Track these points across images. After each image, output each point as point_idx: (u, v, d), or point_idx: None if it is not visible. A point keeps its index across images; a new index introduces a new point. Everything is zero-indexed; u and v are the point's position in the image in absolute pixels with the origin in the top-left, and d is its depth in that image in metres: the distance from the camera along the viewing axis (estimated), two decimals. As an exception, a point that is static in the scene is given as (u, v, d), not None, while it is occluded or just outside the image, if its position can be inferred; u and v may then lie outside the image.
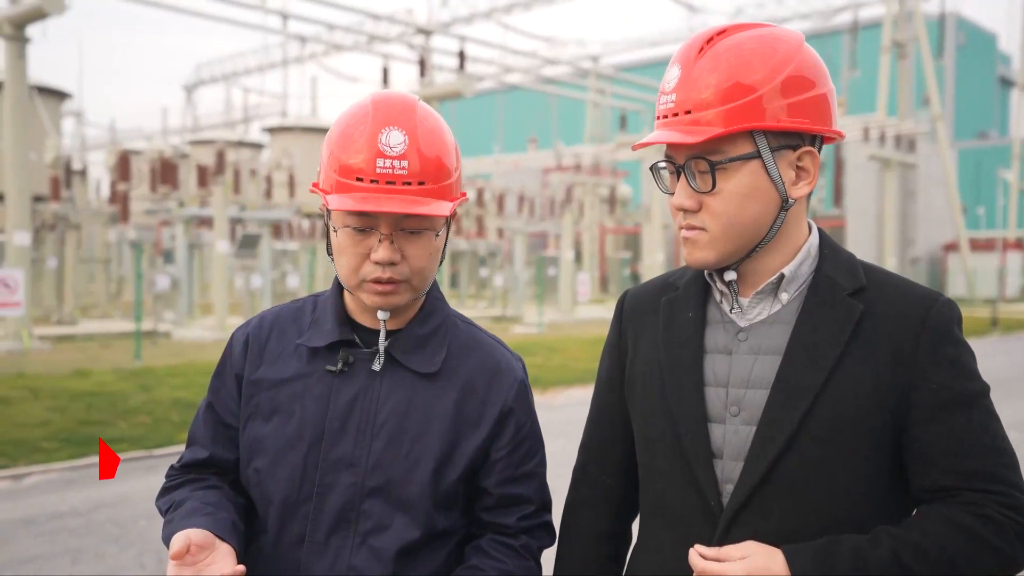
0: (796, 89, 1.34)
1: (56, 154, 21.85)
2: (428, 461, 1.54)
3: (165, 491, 1.63)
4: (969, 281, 36.25)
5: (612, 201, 38.27)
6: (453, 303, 22.55)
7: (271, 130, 41.88)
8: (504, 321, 23.39)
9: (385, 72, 22.09)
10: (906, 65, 34.12)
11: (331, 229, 1.55)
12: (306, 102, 68.93)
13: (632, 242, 39.70)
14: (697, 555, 1.33)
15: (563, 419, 8.22)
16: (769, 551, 1.30)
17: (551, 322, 21.94)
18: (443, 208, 1.48)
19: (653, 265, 25.37)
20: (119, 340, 16.60)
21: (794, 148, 1.36)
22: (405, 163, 1.47)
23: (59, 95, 30.75)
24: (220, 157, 19.30)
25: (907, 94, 34.23)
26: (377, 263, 1.49)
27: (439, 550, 1.58)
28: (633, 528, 1.63)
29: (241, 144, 38.59)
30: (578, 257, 31.82)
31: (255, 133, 50.30)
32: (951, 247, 41.41)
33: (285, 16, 20.46)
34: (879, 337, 1.36)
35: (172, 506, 1.56)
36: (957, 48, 61.44)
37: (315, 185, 1.57)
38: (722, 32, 1.38)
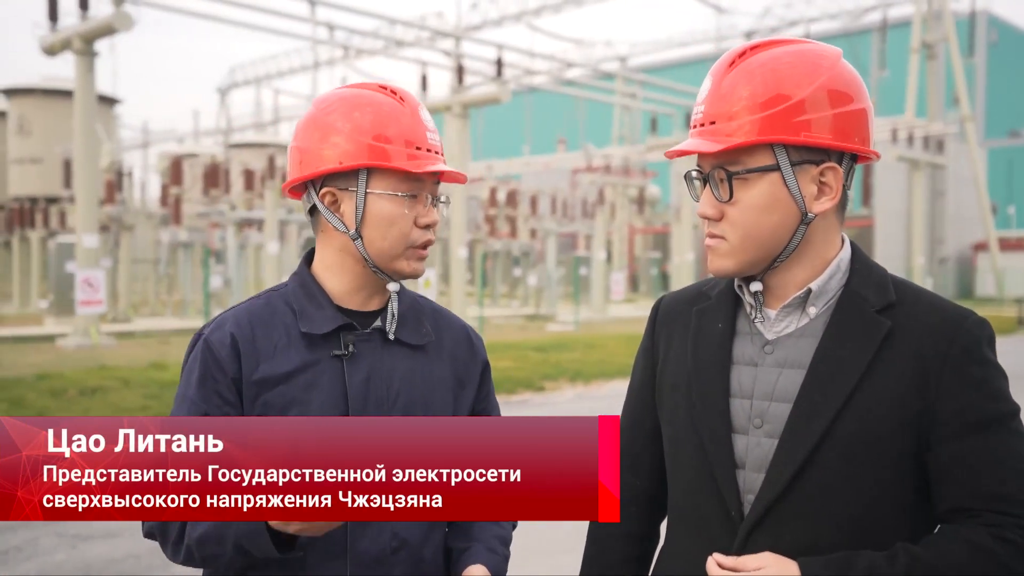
0: (824, 105, 1.35)
1: (111, 159, 22.89)
2: None
3: (181, 535, 1.49)
4: (998, 280, 36.38)
5: (641, 201, 38.78)
6: (487, 302, 23.29)
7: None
8: (538, 319, 24.07)
9: (424, 79, 22.84)
10: (936, 65, 34.35)
11: (366, 203, 1.57)
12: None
13: (661, 242, 40.21)
14: (715, 564, 1.37)
15: (608, 407, 8.97)
16: (784, 563, 1.32)
17: (584, 320, 22.60)
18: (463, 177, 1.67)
19: (683, 265, 25.94)
20: (175, 336, 17.49)
21: (816, 163, 1.37)
22: (437, 136, 1.64)
23: (109, 101, 31.88)
24: (271, 162, 20.21)
25: (937, 94, 34.47)
26: (428, 226, 1.61)
27: None
28: (661, 529, 1.66)
29: (277, 147, 39.54)
30: (608, 257, 32.43)
31: (284, 135, 51.23)
32: (981, 247, 41.44)
33: (332, 27, 21.27)
34: (906, 355, 1.36)
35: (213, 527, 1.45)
36: (989, 46, 61.17)
37: (340, 161, 1.57)
38: (755, 47, 1.41)
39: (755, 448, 1.40)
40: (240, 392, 1.57)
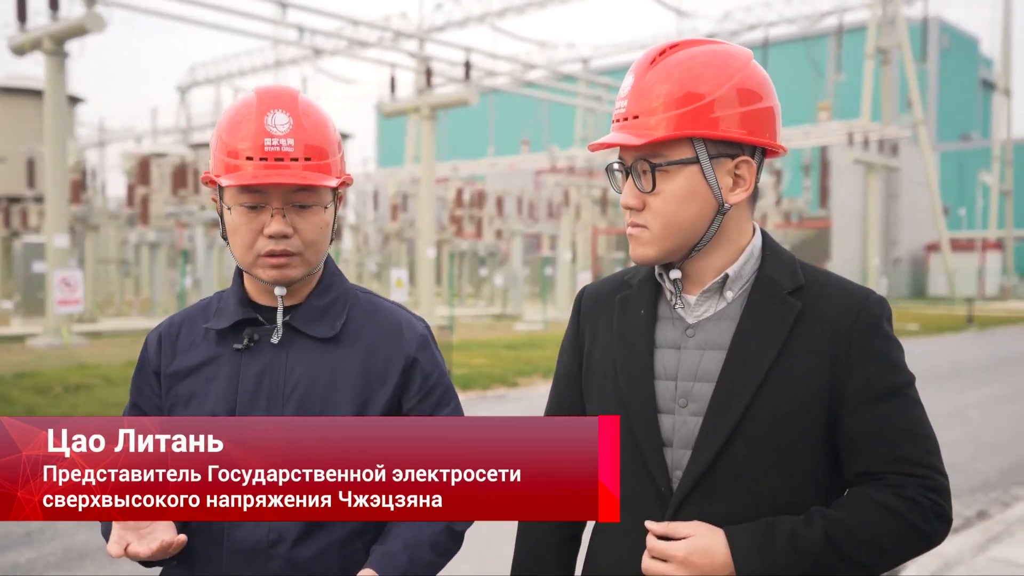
0: (738, 102, 1.43)
1: (76, 158, 22.74)
2: None
3: None
4: (950, 280, 37.40)
5: (604, 202, 39.24)
6: (453, 302, 23.58)
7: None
8: (505, 319, 24.38)
9: (392, 80, 23.03)
10: (890, 70, 35.21)
11: (224, 212, 1.61)
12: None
13: (623, 242, 40.71)
14: (651, 536, 1.43)
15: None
16: (712, 530, 1.40)
17: (551, 319, 22.95)
18: (329, 180, 1.59)
19: (647, 265, 26.32)
20: (143, 336, 17.46)
21: (732, 157, 1.45)
22: (291, 140, 1.57)
23: (72, 100, 31.59)
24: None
25: (891, 99, 35.33)
26: (271, 236, 1.57)
27: None
28: None
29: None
30: (572, 257, 32.83)
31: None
32: (933, 247, 42.50)
33: (301, 30, 21.37)
34: (816, 333, 1.45)
35: None
36: (941, 52, 62.63)
37: (205, 175, 1.62)
38: (675, 46, 1.47)
39: (681, 426, 1.47)
40: (160, 384, 1.67)
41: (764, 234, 1.55)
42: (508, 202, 33.67)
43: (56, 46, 15.17)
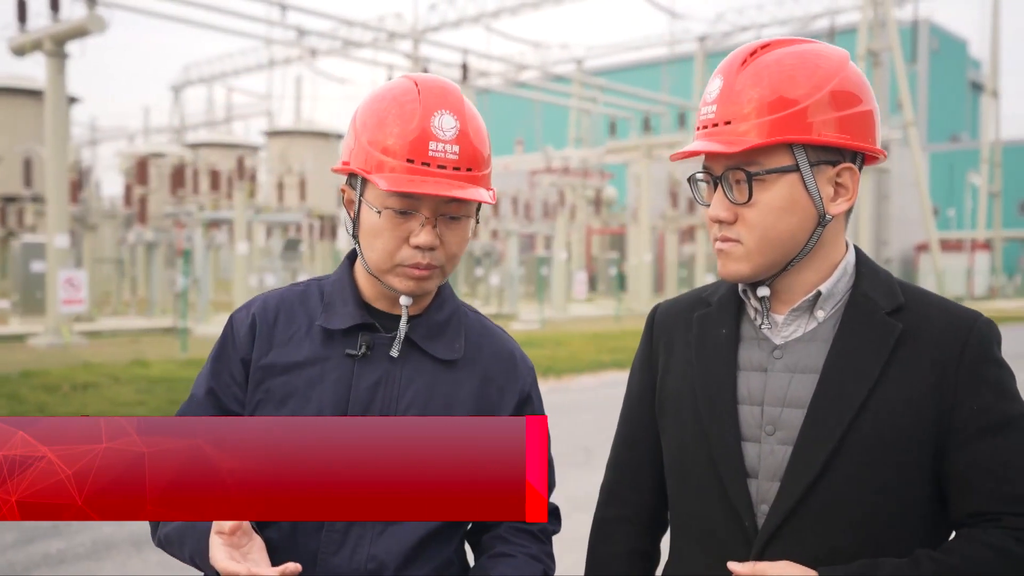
0: (838, 105, 1.33)
1: (74, 158, 22.81)
2: None
3: None
4: (939, 281, 37.73)
5: (598, 202, 39.45)
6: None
7: (270, 133, 42.75)
8: (500, 318, 24.48)
9: (389, 80, 23.17)
10: (881, 72, 35.51)
11: (360, 210, 1.51)
12: (289, 102, 69.73)
13: (618, 242, 40.93)
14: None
15: (583, 399, 9.60)
16: (804, 571, 1.29)
17: (547, 319, 23.12)
18: (487, 195, 1.49)
19: (640, 266, 26.59)
20: (143, 335, 17.59)
21: (833, 164, 1.35)
22: (456, 148, 1.46)
23: (69, 100, 31.56)
24: (240, 163, 20.38)
25: (882, 101, 35.61)
26: (418, 247, 1.48)
27: (453, 538, 1.58)
28: (662, 547, 1.62)
29: (239, 147, 39.50)
30: (567, 257, 33.03)
31: (239, 133, 51.05)
32: (923, 248, 42.83)
33: (301, 32, 21.50)
34: (919, 357, 1.34)
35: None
36: (930, 53, 63.07)
37: (345, 164, 1.52)
38: (766, 46, 1.38)
39: (768, 456, 1.37)
40: (248, 374, 1.53)
41: (858, 250, 1.46)
42: (504, 202, 33.83)
43: (57, 47, 15.26)
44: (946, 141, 66.11)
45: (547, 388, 12.13)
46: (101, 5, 15.42)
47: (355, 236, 1.54)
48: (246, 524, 1.33)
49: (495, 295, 27.02)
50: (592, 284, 38.82)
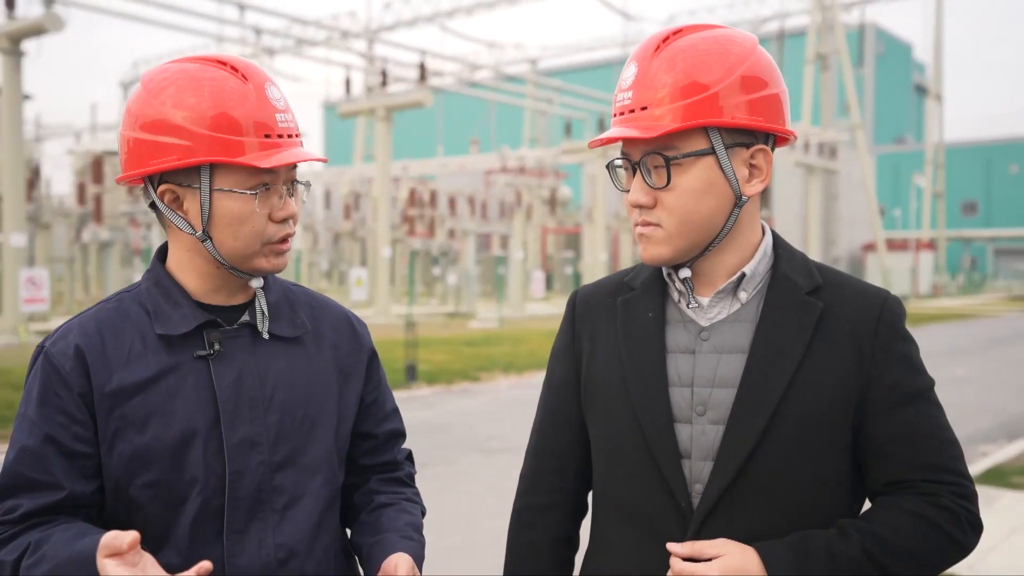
0: (750, 88, 1.35)
1: (27, 156, 22.52)
2: (326, 420, 1.54)
3: None
4: (885, 279, 38.67)
5: (553, 202, 39.84)
6: (404, 301, 23.86)
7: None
8: (458, 317, 24.73)
9: (348, 81, 23.27)
10: (829, 76, 36.34)
11: (212, 201, 1.41)
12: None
13: (573, 241, 41.38)
14: (676, 558, 1.34)
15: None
16: (743, 549, 1.32)
17: (504, 317, 23.41)
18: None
19: (595, 264, 27.01)
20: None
21: (747, 146, 1.37)
22: (290, 115, 1.46)
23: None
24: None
25: (830, 103, 36.44)
26: (285, 219, 1.46)
27: (337, 505, 1.59)
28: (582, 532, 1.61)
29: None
30: (524, 256, 33.35)
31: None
32: (870, 247, 43.88)
33: (259, 31, 21.49)
34: (839, 335, 1.37)
35: (29, 549, 1.34)
36: (876, 57, 64.57)
37: (167, 161, 1.38)
38: (678, 32, 1.39)
39: (700, 436, 1.39)
40: (91, 408, 1.40)
41: (774, 233, 1.49)
42: (460, 201, 34.05)
43: (13, 45, 15.15)
44: (892, 143, 67.76)
45: (509, 383, 12.43)
46: (59, 3, 15.31)
47: (205, 234, 1.43)
48: (132, 539, 1.23)
49: (452, 294, 27.24)
50: (548, 283, 39.22)
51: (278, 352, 1.51)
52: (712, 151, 1.35)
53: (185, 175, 1.41)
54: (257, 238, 1.43)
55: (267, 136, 1.41)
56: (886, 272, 38.93)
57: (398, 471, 1.69)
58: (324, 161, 1.49)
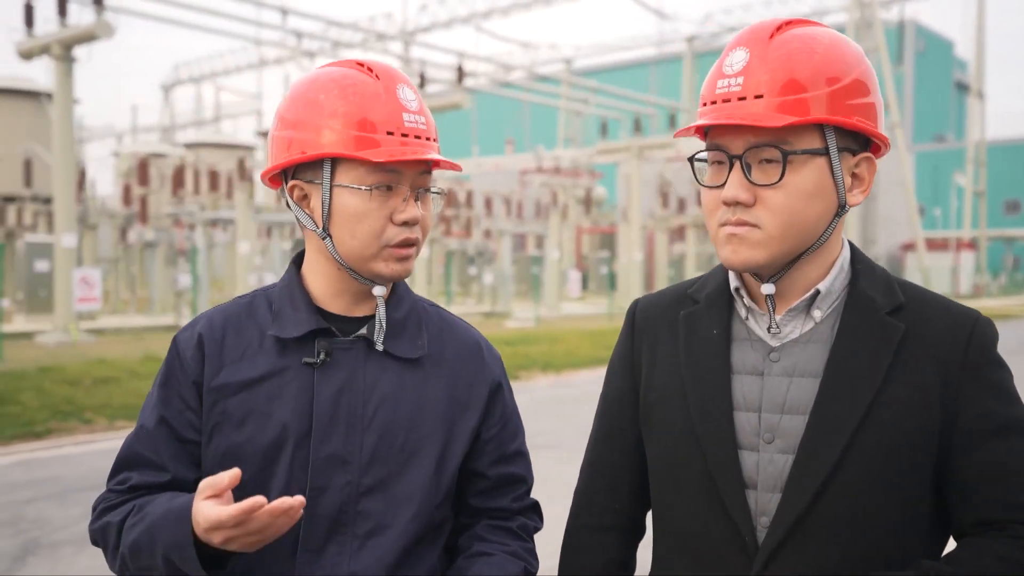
0: (862, 92, 1.26)
1: (77, 159, 23.10)
2: (429, 451, 1.46)
3: (106, 511, 1.42)
4: (925, 279, 38.30)
5: (588, 202, 39.93)
6: (441, 301, 24.14)
7: (263, 134, 43.05)
8: (494, 317, 24.91)
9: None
10: (867, 74, 35.99)
11: (332, 198, 1.40)
12: (278, 101, 69.73)
13: (608, 241, 41.40)
14: None
15: (582, 395, 9.98)
16: None
17: (540, 317, 23.55)
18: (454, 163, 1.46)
19: (631, 264, 27.05)
20: (147, 332, 17.92)
21: (853, 153, 1.28)
22: (423, 119, 1.43)
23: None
24: (242, 164, 20.76)
25: (868, 102, 36.11)
26: (406, 223, 1.40)
27: (436, 544, 1.50)
28: (639, 554, 1.54)
29: (235, 147, 39.79)
30: (559, 256, 33.47)
31: (228, 132, 51.31)
32: (909, 246, 43.45)
33: (299, 35, 21.86)
34: (923, 359, 1.27)
35: (133, 510, 1.38)
36: (916, 54, 63.77)
37: (300, 156, 1.39)
38: (789, 23, 1.28)
39: (767, 466, 1.30)
40: (202, 398, 1.43)
41: (853, 247, 1.38)
42: (496, 202, 34.26)
43: (65, 51, 15.59)
44: (932, 141, 66.85)
45: (547, 383, 12.60)
46: (109, 10, 15.74)
47: (325, 231, 1.42)
48: (238, 479, 1.25)
49: (488, 294, 27.44)
50: (584, 283, 39.30)
51: (390, 371, 1.46)
52: (826, 151, 1.25)
53: (312, 171, 1.42)
54: (375, 239, 1.40)
55: (389, 134, 1.38)
56: (925, 272, 38.54)
57: (510, 521, 1.55)
58: (457, 168, 1.47)
